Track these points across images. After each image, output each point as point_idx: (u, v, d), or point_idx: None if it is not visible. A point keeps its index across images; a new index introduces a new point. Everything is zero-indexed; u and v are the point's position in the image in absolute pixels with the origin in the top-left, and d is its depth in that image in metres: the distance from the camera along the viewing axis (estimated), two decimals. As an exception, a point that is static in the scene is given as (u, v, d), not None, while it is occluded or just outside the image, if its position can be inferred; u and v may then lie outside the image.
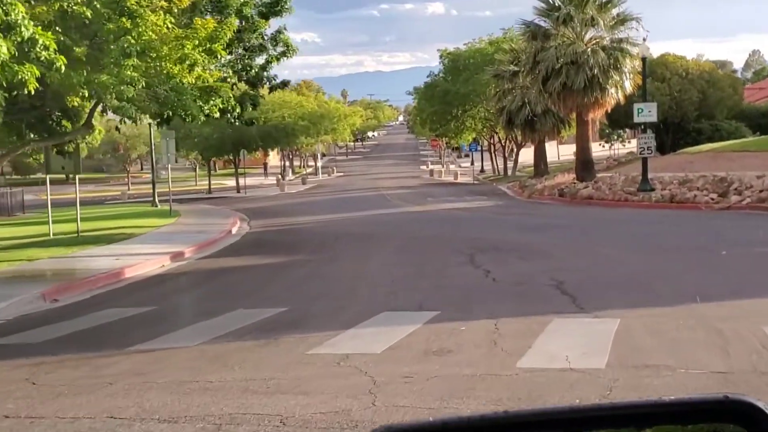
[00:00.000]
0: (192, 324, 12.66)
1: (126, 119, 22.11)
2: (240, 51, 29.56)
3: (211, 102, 25.83)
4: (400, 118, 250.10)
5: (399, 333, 11.00)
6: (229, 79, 28.66)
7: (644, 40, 42.63)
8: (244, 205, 54.02)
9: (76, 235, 32.63)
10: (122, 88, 20.28)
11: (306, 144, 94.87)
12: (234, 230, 34.70)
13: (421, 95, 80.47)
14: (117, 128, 29.52)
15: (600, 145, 75.78)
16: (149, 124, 30.76)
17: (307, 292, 15.87)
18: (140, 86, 20.77)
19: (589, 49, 44.97)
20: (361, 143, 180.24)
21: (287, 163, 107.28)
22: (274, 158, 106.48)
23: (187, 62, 21.10)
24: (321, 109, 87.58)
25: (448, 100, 73.09)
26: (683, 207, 34.64)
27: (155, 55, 21.49)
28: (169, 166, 47.08)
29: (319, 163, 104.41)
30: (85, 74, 20.80)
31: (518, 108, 58.48)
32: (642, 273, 16.78)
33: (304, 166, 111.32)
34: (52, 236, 32.85)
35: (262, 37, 29.53)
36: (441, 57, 75.78)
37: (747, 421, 1.47)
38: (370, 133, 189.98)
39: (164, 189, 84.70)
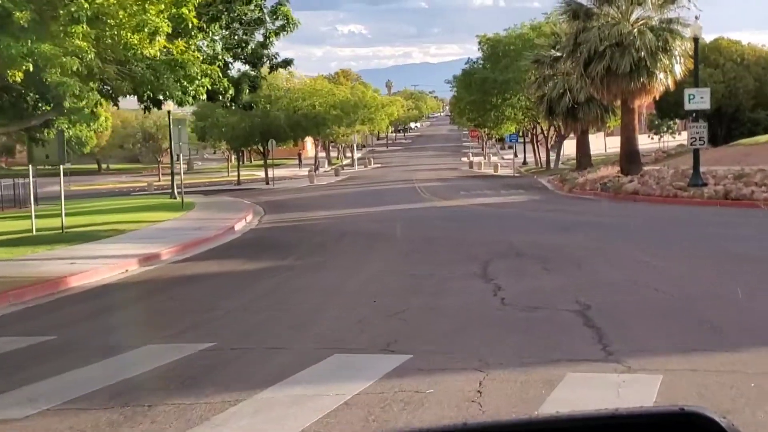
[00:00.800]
0: (69, 370, 9.17)
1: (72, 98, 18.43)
2: (236, 25, 26.14)
3: (197, 83, 22.47)
4: (447, 109, 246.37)
5: (330, 401, 7.42)
6: (221, 57, 25.28)
7: (696, 18, 38.48)
8: (267, 198, 50.92)
9: (60, 231, 29.47)
10: (65, 59, 16.89)
11: (341, 134, 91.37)
12: (238, 227, 31.35)
13: (459, 83, 76.60)
14: (93, 111, 26.13)
15: (649, 137, 71.55)
16: (144, 107, 27.41)
17: (256, 317, 12.34)
18: (89, 58, 17.35)
19: (635, 30, 41.00)
20: (402, 134, 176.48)
21: (324, 154, 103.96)
22: (314, 149, 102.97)
23: (147, 29, 17.59)
24: (354, 97, 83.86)
25: (486, 89, 69.25)
26: (739, 204, 30.68)
27: (112, 22, 18.11)
28: (182, 155, 43.86)
29: (356, 154, 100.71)
30: (29, 44, 17.51)
31: (559, 96, 54.48)
32: (696, 294, 13.04)
33: (341, 157, 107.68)
34: (35, 233, 29.73)
35: (261, 10, 26.04)
36: (480, 43, 71.87)
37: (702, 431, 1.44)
38: (412, 124, 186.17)
39: (191, 180, 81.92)
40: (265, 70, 28.16)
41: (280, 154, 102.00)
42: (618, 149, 47.52)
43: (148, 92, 22.68)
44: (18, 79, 18.07)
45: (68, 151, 61.53)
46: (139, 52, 18.17)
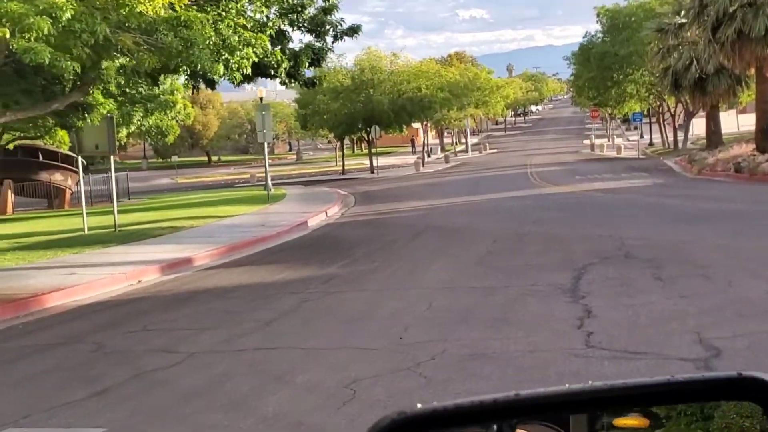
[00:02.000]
0: None
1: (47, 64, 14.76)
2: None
3: (237, 54, 18.85)
4: (570, 90, 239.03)
5: None
6: (272, 24, 21.54)
7: None
8: (366, 188, 47.44)
9: (112, 230, 26.29)
10: (32, 20, 13.32)
11: (453, 118, 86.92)
12: (314, 222, 27.71)
13: (577, 59, 71.20)
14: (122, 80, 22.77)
15: (787, 112, 65.00)
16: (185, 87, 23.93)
17: (211, 370, 8.42)
18: (65, 18, 13.74)
19: (772, -14, 35.57)
20: (522, 118, 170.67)
21: (437, 141, 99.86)
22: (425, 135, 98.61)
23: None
24: (464, 78, 79.11)
25: (606, 64, 63.97)
26: None
27: (101, -26, 14.55)
28: (267, 144, 40.45)
29: (470, 140, 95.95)
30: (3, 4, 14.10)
31: (685, 67, 48.81)
32: None
33: (455, 143, 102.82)
34: (86, 232, 26.63)
35: (318, -34, 22.21)
36: (598, 15, 66.47)
37: (762, 398, 1.44)
38: (533, 107, 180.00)
39: (297, 170, 78.95)
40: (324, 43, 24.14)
41: (392, 141, 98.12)
42: (752, 127, 42.07)
43: (183, 67, 19.15)
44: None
45: (153, 142, 58.12)
46: (135, 9, 14.52)
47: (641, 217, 22.03)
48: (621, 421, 1.48)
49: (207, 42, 17.87)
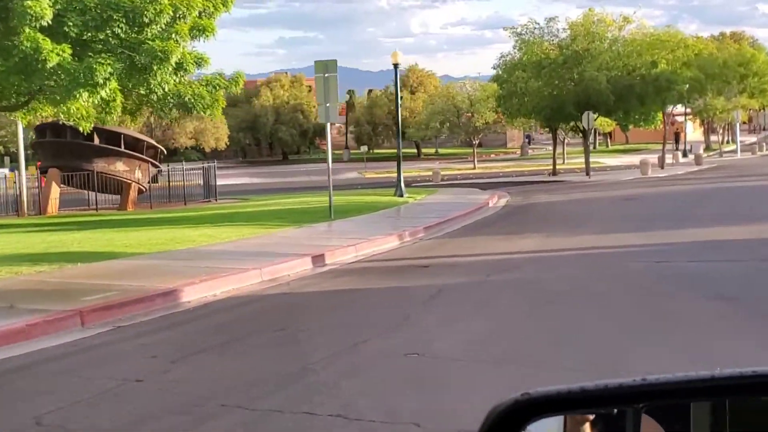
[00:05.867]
0: None
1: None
2: None
3: None
4: None
5: None
6: None
7: None
8: (545, 198, 33.95)
9: None
10: None
11: (720, 110, 68.04)
12: (229, 285, 13.12)
13: None
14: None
15: None
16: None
17: None
18: None
19: None
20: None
21: (703, 137, 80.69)
22: (671, 128, 79.41)
23: None
24: (723, 54, 60.07)
25: None
26: None
27: None
28: (328, 125, 25.83)
29: (740, 137, 75.81)
30: None
31: None
32: None
33: (722, 141, 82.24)
34: None
35: None
36: None
37: None
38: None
39: (512, 168, 63.38)
40: None
41: (649, 137, 79.61)
42: None
43: None
44: None
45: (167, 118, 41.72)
46: None
47: None
48: None
49: None
